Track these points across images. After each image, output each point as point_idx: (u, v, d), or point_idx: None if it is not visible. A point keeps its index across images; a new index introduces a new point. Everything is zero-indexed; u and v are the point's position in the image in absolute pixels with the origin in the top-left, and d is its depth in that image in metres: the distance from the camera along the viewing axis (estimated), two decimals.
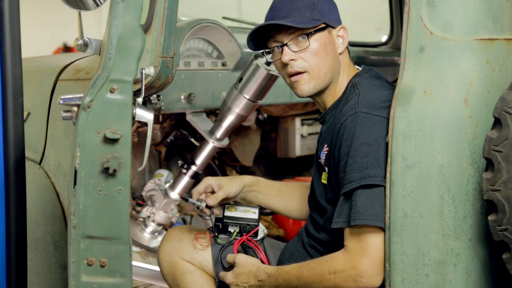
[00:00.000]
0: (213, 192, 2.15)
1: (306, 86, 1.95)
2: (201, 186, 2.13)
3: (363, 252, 1.74)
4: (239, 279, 1.98)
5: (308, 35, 1.92)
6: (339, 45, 1.98)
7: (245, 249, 2.13)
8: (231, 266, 2.05)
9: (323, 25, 1.94)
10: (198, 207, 2.11)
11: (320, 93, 1.98)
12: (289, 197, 2.26)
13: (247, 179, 2.22)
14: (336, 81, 1.98)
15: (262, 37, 2.01)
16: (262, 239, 2.19)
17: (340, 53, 1.98)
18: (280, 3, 1.96)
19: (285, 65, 1.95)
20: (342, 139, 1.82)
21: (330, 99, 1.99)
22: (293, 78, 1.95)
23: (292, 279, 1.87)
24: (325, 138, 1.96)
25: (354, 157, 1.77)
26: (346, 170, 1.78)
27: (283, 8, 1.94)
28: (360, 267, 1.74)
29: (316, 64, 1.93)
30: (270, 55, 2.03)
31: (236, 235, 2.13)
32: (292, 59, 1.93)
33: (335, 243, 1.89)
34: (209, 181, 2.14)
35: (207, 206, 2.11)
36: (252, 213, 2.20)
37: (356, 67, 2.04)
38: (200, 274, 2.12)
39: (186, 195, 2.15)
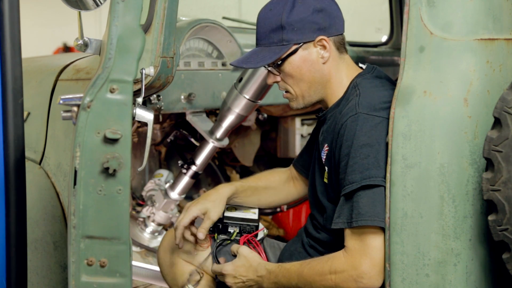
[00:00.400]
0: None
1: (295, 103, 2.00)
2: (186, 220, 2.05)
3: (364, 253, 1.74)
4: (238, 271, 1.96)
5: (279, 64, 1.94)
6: (323, 55, 1.93)
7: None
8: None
9: (294, 47, 1.91)
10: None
11: (315, 103, 2.00)
12: (264, 192, 2.27)
13: (226, 191, 2.13)
14: (330, 87, 1.96)
15: None
16: (262, 239, 2.19)
17: (324, 63, 1.94)
18: (257, 22, 1.97)
19: None
20: (342, 140, 1.81)
21: (331, 100, 1.99)
22: (283, 95, 2.02)
23: (292, 277, 1.87)
24: (326, 138, 1.96)
25: (354, 158, 1.77)
26: (347, 171, 1.78)
27: (257, 32, 1.97)
28: (361, 267, 1.74)
29: (294, 85, 1.96)
30: None
31: (236, 236, 2.13)
32: (276, 81, 1.99)
33: (334, 243, 1.89)
34: (193, 213, 2.06)
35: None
36: (252, 214, 2.20)
37: (360, 65, 2.03)
38: (199, 274, 2.12)
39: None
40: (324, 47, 1.92)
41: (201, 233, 2.03)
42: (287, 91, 1.99)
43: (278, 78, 1.97)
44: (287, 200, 2.34)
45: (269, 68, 1.97)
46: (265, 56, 1.92)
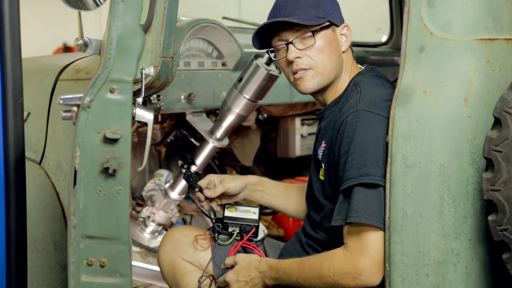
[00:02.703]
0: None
1: (311, 82, 1.95)
2: (204, 181, 2.16)
3: (362, 251, 1.74)
4: (240, 274, 1.97)
5: (314, 32, 1.93)
6: (343, 43, 1.99)
7: (245, 250, 2.13)
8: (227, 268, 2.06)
9: (328, 23, 1.95)
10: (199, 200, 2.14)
11: (322, 90, 1.98)
12: (294, 197, 2.27)
13: (251, 178, 2.24)
14: (338, 79, 1.98)
15: (267, 36, 2.01)
16: (262, 239, 2.19)
17: (343, 52, 1.99)
18: (284, 1, 1.96)
19: (290, 62, 1.95)
20: (342, 136, 1.82)
21: (331, 96, 1.99)
22: (297, 75, 1.95)
23: (293, 272, 1.87)
24: (324, 135, 1.96)
25: (353, 155, 1.77)
26: (346, 167, 1.78)
27: (287, 6, 1.95)
28: (360, 265, 1.74)
29: (322, 61, 1.94)
30: (274, 53, 2.03)
31: (236, 236, 2.13)
32: (298, 57, 1.94)
33: (332, 242, 1.89)
34: (211, 177, 2.17)
35: (206, 199, 2.14)
36: (252, 214, 2.19)
37: (359, 66, 2.04)
38: (200, 274, 2.12)
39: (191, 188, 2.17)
40: (346, 35, 1.98)
41: (210, 192, 2.13)
42: (304, 70, 1.94)
43: (300, 54, 1.94)
44: None
45: (294, 42, 1.93)
46: (306, 19, 1.92)
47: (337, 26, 1.98)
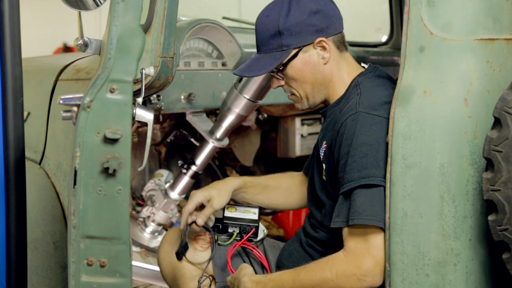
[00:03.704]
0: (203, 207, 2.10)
1: (300, 105, 2.03)
2: (190, 206, 2.07)
3: (366, 252, 1.74)
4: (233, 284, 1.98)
5: (281, 69, 1.95)
6: (323, 55, 1.94)
7: (244, 251, 2.13)
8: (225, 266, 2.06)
9: (294, 51, 1.92)
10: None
11: (321, 103, 2.01)
12: (275, 192, 2.26)
13: (234, 183, 2.15)
14: (332, 86, 1.97)
15: None
16: (262, 239, 2.19)
17: (325, 63, 1.94)
18: (255, 32, 1.98)
19: None
20: (342, 138, 1.82)
21: (331, 97, 1.99)
22: (288, 97, 2.04)
23: (284, 284, 1.86)
24: (325, 135, 1.96)
25: (353, 157, 1.77)
26: (346, 169, 1.78)
27: (256, 39, 1.98)
28: (364, 266, 1.74)
29: (298, 88, 1.98)
30: None
31: (236, 236, 2.13)
32: (280, 85, 2.01)
33: (333, 241, 1.89)
34: (198, 199, 2.08)
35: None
36: (252, 214, 2.19)
37: (363, 65, 2.03)
38: (200, 274, 2.12)
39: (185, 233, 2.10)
40: (324, 48, 1.93)
41: (200, 219, 2.04)
42: (292, 94, 2.01)
43: (282, 82, 1.99)
44: (299, 204, 2.29)
45: (272, 74, 1.98)
46: (266, 63, 1.93)
47: (309, 44, 1.92)
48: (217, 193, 2.09)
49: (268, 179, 2.29)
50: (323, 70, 1.95)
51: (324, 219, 1.95)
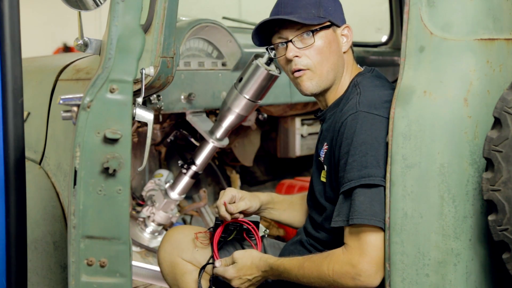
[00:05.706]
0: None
1: (309, 83, 1.95)
2: (227, 197, 2.08)
3: (362, 251, 1.74)
4: (241, 272, 1.97)
5: (313, 32, 1.92)
6: (343, 44, 1.98)
7: (244, 247, 2.13)
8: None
9: (328, 23, 1.95)
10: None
11: (323, 91, 1.98)
12: (300, 208, 2.26)
13: (263, 197, 2.18)
14: (339, 80, 1.98)
15: (267, 33, 2.01)
16: (262, 237, 2.19)
17: (344, 52, 1.98)
18: (288, 2, 1.96)
19: (289, 61, 1.95)
20: (342, 138, 1.82)
21: (332, 97, 1.99)
22: (296, 74, 1.95)
23: (293, 270, 1.87)
24: (326, 136, 1.96)
25: (353, 156, 1.77)
26: (346, 169, 1.78)
27: (288, 4, 1.95)
28: (359, 265, 1.74)
29: (320, 62, 1.93)
30: (274, 51, 2.03)
31: (235, 235, 2.13)
32: (296, 56, 1.93)
33: (334, 241, 1.89)
34: (233, 193, 2.10)
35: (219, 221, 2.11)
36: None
37: (359, 67, 2.04)
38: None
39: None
40: (347, 36, 1.98)
41: (232, 207, 2.05)
42: (302, 70, 1.94)
43: (299, 53, 1.93)
44: None
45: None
46: (305, 19, 1.91)
47: (338, 26, 1.98)
48: (251, 197, 2.13)
49: (292, 196, 2.31)
50: (342, 57, 1.98)
51: (325, 222, 1.95)
